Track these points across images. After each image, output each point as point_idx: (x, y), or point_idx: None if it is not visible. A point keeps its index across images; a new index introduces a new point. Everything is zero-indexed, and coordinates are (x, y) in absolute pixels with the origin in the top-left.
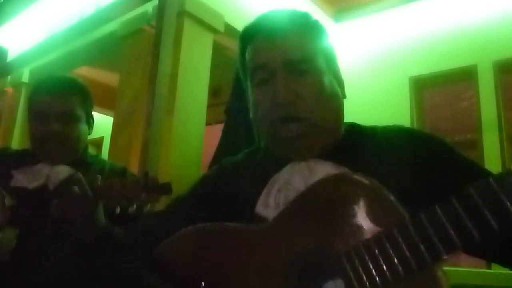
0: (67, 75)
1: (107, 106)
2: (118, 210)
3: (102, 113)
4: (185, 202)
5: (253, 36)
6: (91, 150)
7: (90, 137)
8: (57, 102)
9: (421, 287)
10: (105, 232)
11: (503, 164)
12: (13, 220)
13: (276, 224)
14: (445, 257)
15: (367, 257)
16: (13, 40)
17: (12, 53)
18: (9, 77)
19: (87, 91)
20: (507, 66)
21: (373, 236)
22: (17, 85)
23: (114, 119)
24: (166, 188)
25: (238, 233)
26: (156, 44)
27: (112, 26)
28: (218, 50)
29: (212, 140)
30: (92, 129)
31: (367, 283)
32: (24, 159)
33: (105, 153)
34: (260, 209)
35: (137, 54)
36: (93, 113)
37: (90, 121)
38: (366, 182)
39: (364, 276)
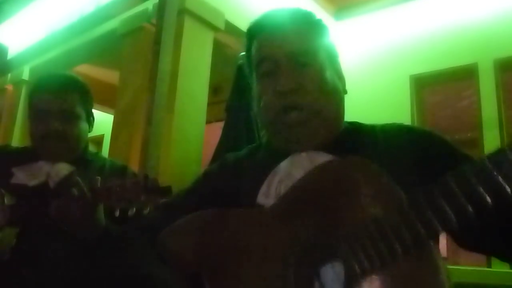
0: (67, 73)
1: (107, 104)
2: (117, 213)
3: (102, 111)
4: (187, 196)
5: (259, 31)
6: (92, 148)
7: (90, 135)
8: (57, 100)
9: (420, 269)
10: (105, 232)
11: None
12: (13, 219)
13: (277, 208)
14: (441, 232)
15: (365, 238)
16: (14, 38)
17: (13, 51)
18: (9, 74)
19: (87, 89)
20: (508, 64)
21: (371, 216)
22: (18, 83)
23: (114, 117)
24: (166, 191)
25: (238, 217)
26: (156, 42)
27: (112, 24)
28: (218, 48)
29: (212, 138)
30: (92, 127)
31: (366, 263)
32: (24, 156)
33: (105, 151)
34: (261, 199)
35: (137, 52)
36: (94, 111)
37: (90, 119)
38: (365, 164)
39: (363, 256)
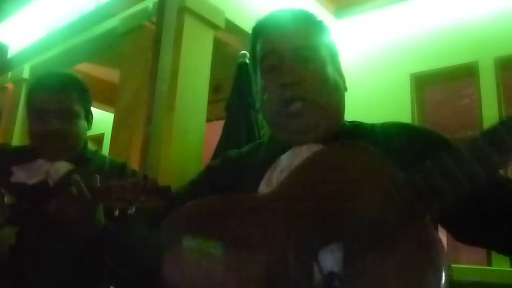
0: (65, 72)
1: (107, 102)
2: (117, 213)
3: (102, 110)
4: (190, 188)
5: (264, 30)
6: (92, 147)
7: (90, 133)
8: (55, 98)
9: (418, 244)
10: (104, 232)
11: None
12: (12, 218)
13: (276, 192)
14: (435, 205)
15: (364, 215)
16: (14, 36)
17: (13, 49)
18: (9, 73)
19: (85, 87)
20: (509, 62)
21: (370, 194)
22: (18, 81)
23: (114, 116)
24: (165, 191)
25: (239, 202)
26: (157, 40)
27: (112, 23)
28: (218, 47)
29: (213, 137)
30: (91, 125)
31: (366, 240)
32: (23, 155)
33: (105, 150)
34: (262, 188)
35: (138, 50)
36: (94, 109)
37: (89, 117)
38: (361, 146)
39: (362, 233)
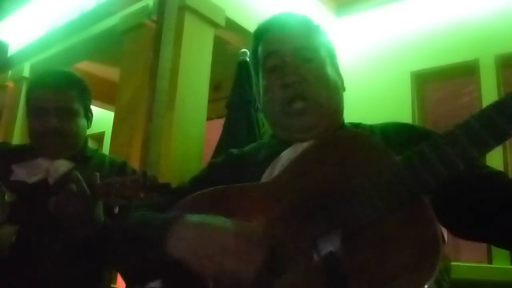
0: (64, 70)
1: (108, 101)
2: (116, 210)
3: (103, 108)
4: (193, 183)
5: (265, 32)
6: (92, 145)
7: (91, 132)
8: (54, 97)
9: (415, 221)
10: (104, 229)
11: (504, 158)
12: (12, 216)
13: (278, 179)
14: (431, 184)
15: (363, 196)
16: (14, 35)
17: (13, 48)
18: (10, 71)
19: (85, 85)
20: (509, 60)
21: (368, 176)
22: (18, 80)
23: (115, 114)
24: (165, 188)
25: (246, 188)
26: (157, 38)
27: (112, 21)
28: (219, 45)
29: (213, 135)
30: (91, 123)
31: (364, 218)
32: (23, 153)
33: (106, 148)
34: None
35: (138, 48)
36: (94, 108)
37: (88, 115)
38: (359, 133)
39: (360, 212)
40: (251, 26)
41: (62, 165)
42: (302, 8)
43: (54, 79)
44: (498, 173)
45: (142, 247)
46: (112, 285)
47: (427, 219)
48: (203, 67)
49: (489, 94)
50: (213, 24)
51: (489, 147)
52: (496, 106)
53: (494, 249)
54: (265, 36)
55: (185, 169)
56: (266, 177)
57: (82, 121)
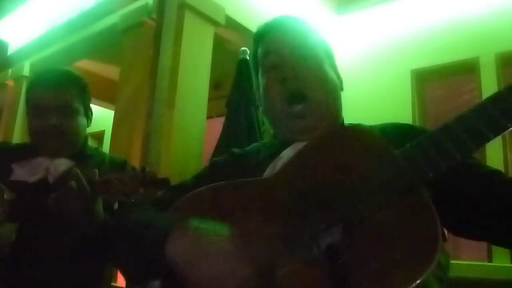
0: (64, 68)
1: (108, 99)
2: (116, 206)
3: (103, 107)
4: (195, 181)
5: (264, 34)
6: (93, 144)
7: (91, 130)
8: (54, 95)
9: (414, 211)
10: (104, 225)
11: (504, 156)
12: (13, 214)
13: (280, 173)
14: (430, 176)
15: (363, 188)
16: (14, 34)
17: (13, 47)
18: (10, 70)
19: (85, 84)
20: (510, 58)
21: (368, 171)
22: (18, 78)
23: (115, 113)
24: (164, 183)
25: (246, 184)
26: (157, 37)
27: (112, 19)
28: (219, 43)
29: (213, 134)
30: (90, 121)
31: (364, 211)
32: (23, 152)
33: (106, 147)
34: None
35: (138, 47)
36: (94, 106)
37: (88, 113)
38: (359, 128)
39: (361, 205)
40: (251, 24)
41: (62, 164)
42: (302, 7)
43: (54, 78)
44: (497, 172)
45: (142, 249)
46: (112, 283)
47: (427, 214)
48: (203, 66)
49: (490, 92)
50: (213, 22)
51: (485, 139)
52: (492, 99)
53: (495, 248)
54: (264, 38)
55: (185, 168)
56: (267, 175)
57: (82, 120)
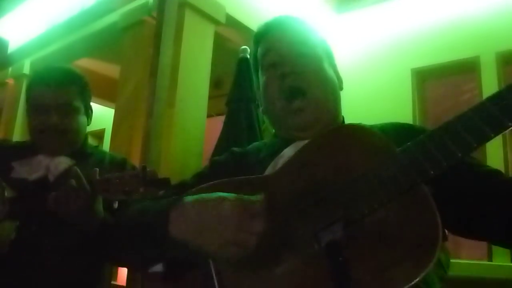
0: (64, 66)
1: (108, 98)
2: (116, 205)
3: (103, 105)
4: (196, 179)
5: (264, 33)
6: (93, 142)
7: (91, 129)
8: (55, 93)
9: (415, 208)
10: (103, 224)
11: (505, 156)
12: (12, 212)
13: (281, 171)
14: (431, 174)
15: (364, 185)
16: (14, 32)
17: (13, 45)
18: (10, 68)
19: (85, 82)
20: (510, 57)
21: (369, 168)
22: (18, 77)
23: (115, 111)
24: (164, 183)
25: (247, 181)
26: (157, 35)
27: (112, 17)
28: (219, 42)
29: (213, 132)
30: (91, 120)
31: (365, 208)
32: (23, 151)
33: (106, 145)
34: None
35: (138, 45)
36: (94, 105)
37: (88, 112)
38: (359, 126)
39: (362, 202)
40: (252, 23)
41: (62, 162)
42: (302, 5)
43: (54, 76)
44: (497, 172)
45: (144, 234)
46: (112, 282)
47: (428, 212)
48: (204, 64)
49: (490, 91)
50: (214, 21)
51: (486, 138)
52: (492, 98)
53: (495, 247)
54: (264, 37)
55: (185, 166)
56: (267, 173)
57: (82, 118)
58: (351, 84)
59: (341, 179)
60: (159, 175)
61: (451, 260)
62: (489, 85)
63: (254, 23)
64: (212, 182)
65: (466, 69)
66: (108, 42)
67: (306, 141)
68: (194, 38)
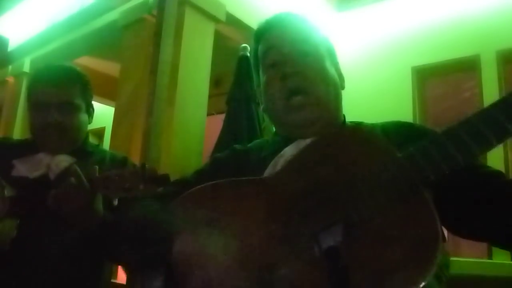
0: (66, 65)
1: (108, 96)
2: (116, 202)
3: (103, 103)
4: (197, 176)
5: (265, 31)
6: (93, 140)
7: (91, 127)
8: (56, 92)
9: (415, 212)
10: (103, 222)
11: (505, 157)
12: (13, 211)
13: (280, 174)
14: (431, 177)
15: (364, 189)
16: (14, 30)
17: (13, 43)
18: (10, 67)
19: (87, 80)
20: (510, 56)
21: (370, 171)
22: (18, 75)
23: (115, 109)
24: (164, 180)
25: (248, 182)
26: (157, 33)
27: (112, 16)
28: (219, 40)
29: (213, 131)
30: (92, 118)
31: (365, 211)
32: (24, 149)
33: (106, 143)
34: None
35: (138, 43)
36: (95, 103)
37: (90, 110)
38: (360, 128)
39: (362, 205)
40: (252, 21)
41: (63, 160)
42: (303, 3)
43: (56, 74)
44: (498, 173)
45: (145, 247)
46: (112, 280)
47: (428, 215)
48: (204, 62)
49: (490, 90)
50: (214, 19)
51: (489, 144)
52: (496, 104)
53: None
54: (265, 35)
55: (185, 165)
56: (268, 173)
57: (84, 116)
58: (351, 82)
59: (341, 181)
60: (159, 173)
61: (451, 259)
62: (490, 84)
63: (254, 21)
64: (212, 183)
65: (467, 68)
66: (108, 40)
67: (307, 140)
68: (194, 36)
